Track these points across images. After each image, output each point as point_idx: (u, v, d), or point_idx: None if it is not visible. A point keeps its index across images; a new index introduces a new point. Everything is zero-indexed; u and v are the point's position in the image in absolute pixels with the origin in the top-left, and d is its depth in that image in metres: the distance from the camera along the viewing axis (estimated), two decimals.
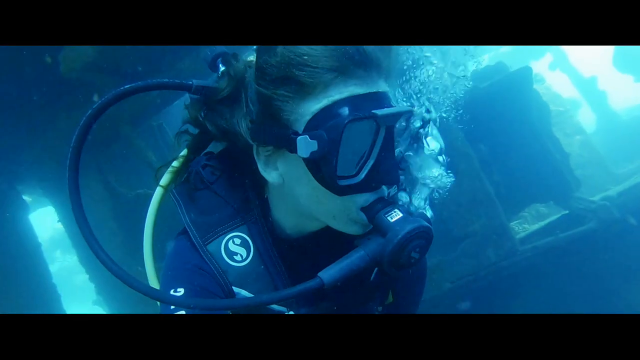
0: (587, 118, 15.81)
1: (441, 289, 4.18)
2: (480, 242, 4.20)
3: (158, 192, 1.12)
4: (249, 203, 1.04)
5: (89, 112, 0.93)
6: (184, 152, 1.11)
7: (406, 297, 1.25)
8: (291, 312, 1.05)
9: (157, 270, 1.13)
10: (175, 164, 1.11)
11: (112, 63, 3.54)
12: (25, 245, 5.06)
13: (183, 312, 0.94)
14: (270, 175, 0.95)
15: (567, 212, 5.06)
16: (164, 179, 1.11)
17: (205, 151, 1.09)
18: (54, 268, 6.01)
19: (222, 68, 1.04)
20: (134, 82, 0.96)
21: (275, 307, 1.05)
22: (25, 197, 5.78)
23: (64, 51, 3.43)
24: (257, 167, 0.96)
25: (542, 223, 5.46)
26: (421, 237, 0.87)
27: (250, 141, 0.94)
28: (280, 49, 0.84)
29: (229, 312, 1.01)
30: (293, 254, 1.05)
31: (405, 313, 1.28)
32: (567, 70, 16.41)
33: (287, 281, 1.04)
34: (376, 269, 1.06)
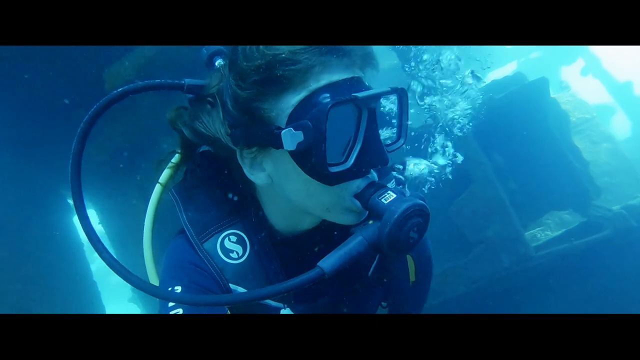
0: (621, 124, 15.43)
1: (455, 293, 4.32)
2: (494, 248, 4.33)
3: (157, 190, 1.12)
4: (245, 200, 1.03)
5: (85, 117, 0.92)
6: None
7: (409, 296, 1.24)
8: (288, 309, 1.04)
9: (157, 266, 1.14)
10: (174, 159, 1.10)
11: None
12: (69, 245, 5.50)
13: (181, 310, 0.94)
14: (258, 177, 0.93)
15: (585, 219, 5.11)
16: (163, 176, 1.11)
17: (202, 149, 1.07)
18: (93, 267, 6.44)
19: (217, 66, 1.03)
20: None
21: (272, 303, 1.03)
22: (69, 201, 6.25)
23: (107, 69, 3.80)
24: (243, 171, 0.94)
25: (562, 231, 5.52)
26: (418, 215, 0.85)
27: (232, 146, 0.92)
28: (259, 51, 0.82)
29: (227, 309, 1.00)
30: (288, 252, 1.05)
31: (408, 313, 1.28)
32: (600, 75, 16.05)
33: (283, 278, 1.02)
34: (374, 263, 1.09)
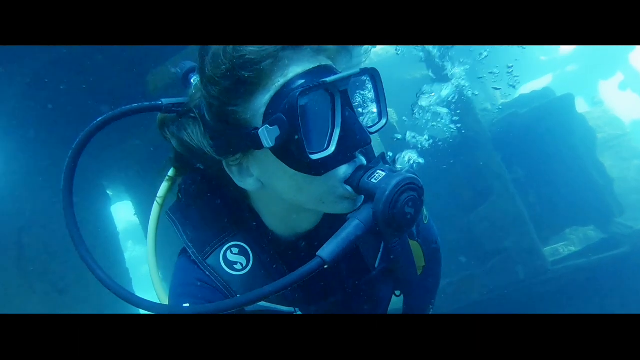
0: None
1: (468, 300, 4.44)
2: (511, 259, 4.43)
3: (155, 208, 1.14)
4: (242, 211, 1.03)
5: (70, 153, 0.94)
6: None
7: (421, 283, 1.24)
8: (299, 312, 1.03)
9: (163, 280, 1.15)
10: (170, 173, 1.11)
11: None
12: (107, 232, 5.87)
13: None
14: (247, 183, 0.93)
15: (606, 236, 5.14)
16: (162, 189, 1.13)
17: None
18: (126, 255, 6.84)
19: (193, 82, 1.02)
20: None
21: (282, 308, 1.03)
22: (109, 192, 6.64)
23: (150, 74, 4.08)
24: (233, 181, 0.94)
25: (582, 246, 5.55)
26: (411, 189, 0.84)
27: (217, 157, 0.92)
28: (225, 55, 0.82)
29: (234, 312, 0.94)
30: (292, 256, 1.04)
31: (418, 303, 1.29)
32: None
33: None
34: (380, 253, 1.10)
